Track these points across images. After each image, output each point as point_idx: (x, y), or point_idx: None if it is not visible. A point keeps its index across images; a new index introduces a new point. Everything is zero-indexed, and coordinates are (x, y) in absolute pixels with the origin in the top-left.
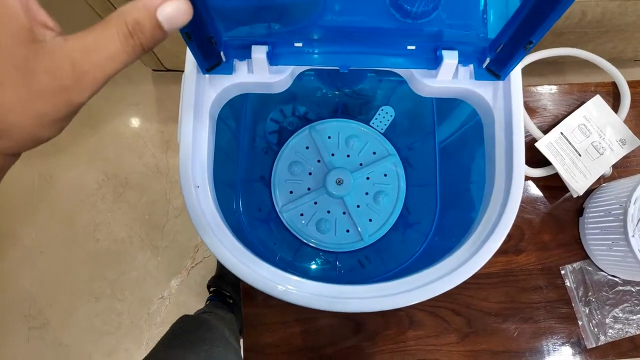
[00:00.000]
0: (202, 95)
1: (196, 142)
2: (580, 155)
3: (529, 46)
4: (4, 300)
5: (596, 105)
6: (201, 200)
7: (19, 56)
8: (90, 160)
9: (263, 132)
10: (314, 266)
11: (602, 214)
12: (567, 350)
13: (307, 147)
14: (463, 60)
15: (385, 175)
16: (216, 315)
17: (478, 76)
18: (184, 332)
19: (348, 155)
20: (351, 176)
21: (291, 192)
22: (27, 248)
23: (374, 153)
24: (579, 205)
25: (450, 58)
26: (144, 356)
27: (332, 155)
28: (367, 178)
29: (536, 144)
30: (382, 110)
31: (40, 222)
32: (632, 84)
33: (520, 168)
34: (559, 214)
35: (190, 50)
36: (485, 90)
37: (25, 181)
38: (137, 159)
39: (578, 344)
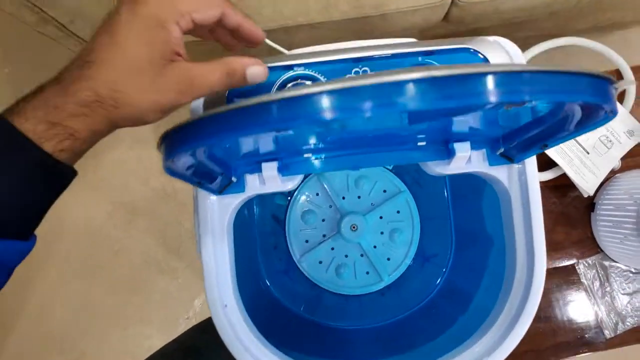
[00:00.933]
0: (217, 216)
1: (219, 262)
2: (588, 152)
3: (544, 147)
4: (37, 337)
5: None
6: (231, 319)
7: (159, 65)
8: (98, 191)
9: None
10: (337, 308)
11: (613, 207)
12: (588, 343)
13: (318, 194)
14: (476, 147)
15: (398, 212)
16: None
17: (492, 161)
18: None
19: (359, 197)
20: (364, 219)
21: (307, 242)
22: (50, 285)
23: (385, 191)
24: (589, 201)
25: (462, 151)
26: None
27: (343, 198)
28: (381, 217)
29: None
30: None
31: (60, 259)
32: (636, 70)
33: (542, 255)
34: (570, 212)
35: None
36: (500, 172)
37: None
38: (142, 184)
39: (598, 336)
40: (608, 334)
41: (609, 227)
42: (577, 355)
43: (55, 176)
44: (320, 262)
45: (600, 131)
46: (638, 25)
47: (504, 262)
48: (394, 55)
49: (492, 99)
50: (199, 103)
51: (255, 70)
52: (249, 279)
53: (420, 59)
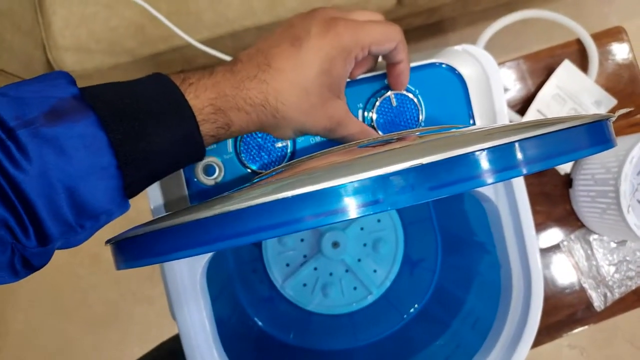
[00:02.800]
0: (186, 274)
1: (197, 327)
2: None
3: None
4: None
5: (566, 70)
6: None
7: (325, 97)
8: None
9: None
10: (328, 330)
11: (590, 181)
12: (580, 319)
13: None
14: None
15: (379, 220)
16: None
17: None
18: None
19: None
20: (345, 234)
21: (287, 265)
22: (20, 332)
23: None
24: (567, 178)
25: None
26: None
27: None
28: (362, 229)
29: None
30: None
31: (25, 302)
32: (596, 37)
33: (538, 268)
34: (549, 190)
35: None
36: (486, 187)
37: None
38: None
39: (588, 309)
40: (598, 306)
41: (588, 201)
42: (571, 332)
43: (191, 156)
44: (305, 285)
45: (569, 104)
46: None
47: (499, 274)
48: (358, 81)
49: (488, 180)
50: (159, 203)
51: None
52: (232, 315)
53: (386, 81)
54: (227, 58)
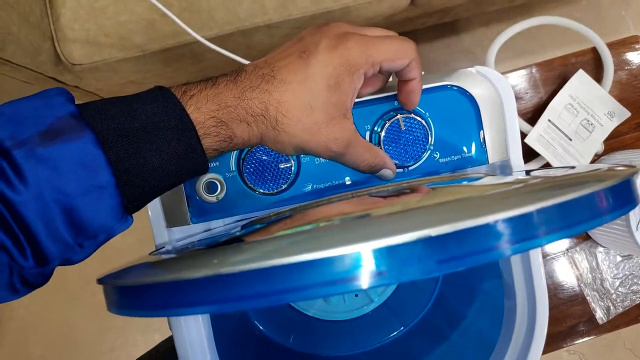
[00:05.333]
0: None
1: (193, 339)
2: (570, 139)
3: None
4: None
5: (580, 80)
6: None
7: (331, 115)
8: None
9: None
10: (328, 336)
11: None
12: (581, 330)
13: None
14: None
15: None
16: None
17: None
18: None
19: None
20: None
21: None
22: (24, 317)
23: None
24: None
25: None
26: None
27: None
28: None
29: (526, 140)
30: None
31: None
32: (612, 46)
33: (543, 294)
34: None
35: None
36: None
37: None
38: None
39: (591, 322)
40: (600, 319)
41: None
42: (573, 343)
43: (194, 171)
44: None
45: (581, 115)
46: None
47: (503, 294)
48: (367, 102)
49: (504, 253)
50: (160, 218)
51: (387, 172)
52: (232, 317)
53: (396, 103)
54: (234, 56)
